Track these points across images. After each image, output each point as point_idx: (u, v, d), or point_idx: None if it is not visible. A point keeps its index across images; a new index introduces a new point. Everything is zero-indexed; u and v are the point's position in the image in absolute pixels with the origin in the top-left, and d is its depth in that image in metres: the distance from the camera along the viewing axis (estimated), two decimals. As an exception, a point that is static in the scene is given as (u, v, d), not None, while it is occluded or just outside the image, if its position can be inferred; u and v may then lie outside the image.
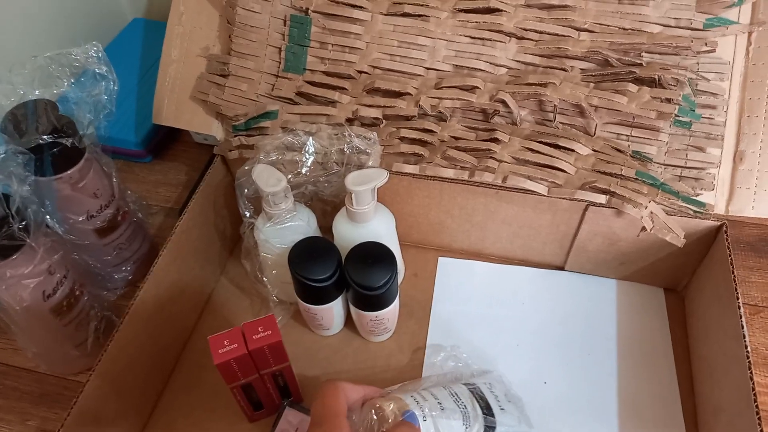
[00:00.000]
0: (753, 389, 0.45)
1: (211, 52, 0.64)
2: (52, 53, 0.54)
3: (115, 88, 0.56)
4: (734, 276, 0.52)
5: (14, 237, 0.47)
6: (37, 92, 0.54)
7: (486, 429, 0.48)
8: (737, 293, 0.50)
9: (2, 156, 0.47)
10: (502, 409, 0.50)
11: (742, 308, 0.49)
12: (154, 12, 0.94)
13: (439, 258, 0.67)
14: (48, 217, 0.54)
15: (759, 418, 0.44)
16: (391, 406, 0.44)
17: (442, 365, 0.58)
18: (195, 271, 0.62)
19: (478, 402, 0.49)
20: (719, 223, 0.55)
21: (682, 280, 0.62)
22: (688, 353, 0.58)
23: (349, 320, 0.61)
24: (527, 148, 0.57)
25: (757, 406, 0.44)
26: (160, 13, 0.93)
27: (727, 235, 0.54)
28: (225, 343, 0.47)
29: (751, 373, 0.46)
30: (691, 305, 0.61)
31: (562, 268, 0.65)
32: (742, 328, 0.48)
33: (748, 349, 0.47)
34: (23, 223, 0.47)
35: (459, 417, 0.46)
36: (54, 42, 0.81)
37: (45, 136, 0.51)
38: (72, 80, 0.55)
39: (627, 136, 0.57)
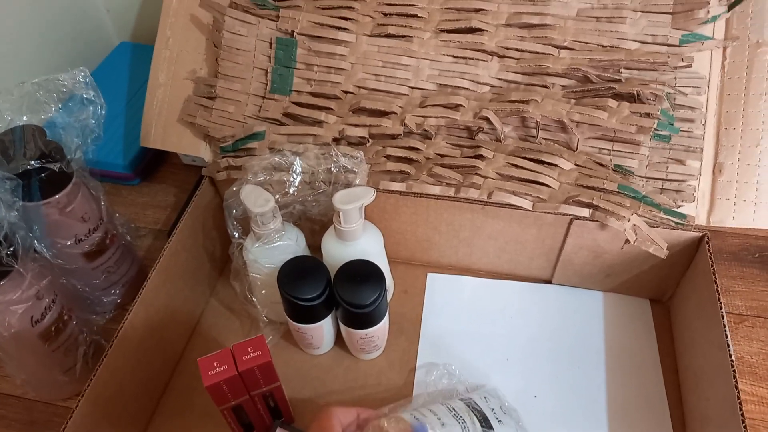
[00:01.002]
0: (738, 398, 0.45)
1: (198, 75, 0.65)
2: (39, 79, 0.55)
3: (103, 112, 0.56)
4: (717, 286, 0.53)
5: (2, 263, 0.47)
6: (24, 118, 0.54)
7: None
8: (720, 303, 0.51)
9: (-10, 182, 0.47)
10: (500, 421, 0.50)
11: (725, 318, 0.50)
12: (141, 36, 0.95)
13: (428, 274, 0.68)
14: (36, 242, 0.54)
15: (745, 427, 0.44)
16: (393, 425, 0.44)
17: (435, 382, 0.58)
18: (184, 293, 0.62)
19: (475, 415, 0.49)
20: (701, 234, 0.56)
21: (667, 291, 0.63)
22: (675, 363, 0.59)
23: (339, 339, 0.61)
24: (511, 164, 0.58)
25: (742, 415, 0.45)
26: (147, 37, 0.94)
27: (709, 246, 0.55)
28: (215, 364, 0.47)
29: (736, 382, 0.46)
30: (676, 316, 0.61)
31: (549, 282, 0.66)
32: (726, 337, 0.49)
33: (733, 358, 0.48)
34: (11, 248, 0.47)
35: (458, 428, 0.46)
36: (41, 67, 0.81)
37: (33, 162, 0.51)
38: (59, 105, 0.55)
39: (608, 150, 0.58)
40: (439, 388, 0.56)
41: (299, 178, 0.58)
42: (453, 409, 0.49)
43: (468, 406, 0.50)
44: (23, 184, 0.51)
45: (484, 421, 0.49)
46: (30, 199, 0.53)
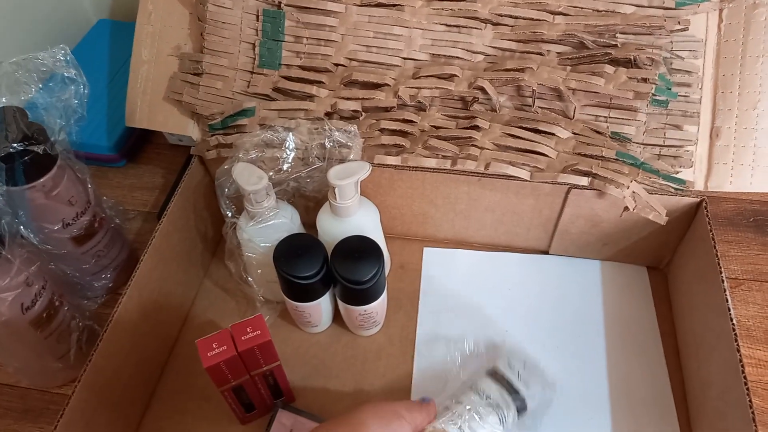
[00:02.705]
0: (740, 361, 0.46)
1: (183, 51, 0.63)
2: (18, 58, 0.52)
3: (86, 91, 0.54)
4: (716, 251, 0.52)
5: (-12, 250, 0.45)
6: (3, 99, 0.52)
7: (519, 410, 0.49)
8: (720, 268, 0.51)
9: (-29, 167, 0.45)
10: (526, 383, 0.51)
11: (726, 282, 0.50)
12: (119, 12, 0.92)
13: (425, 248, 0.67)
14: (22, 227, 0.53)
15: (747, 389, 0.44)
16: None
17: (434, 354, 0.58)
18: (178, 276, 0.60)
19: (504, 388, 0.49)
20: (699, 200, 0.56)
21: (664, 258, 0.63)
22: (674, 329, 0.59)
23: (337, 316, 0.60)
24: (508, 134, 0.57)
25: (745, 377, 0.45)
26: (126, 13, 0.91)
27: (707, 211, 0.55)
28: (213, 345, 0.46)
29: (737, 345, 0.47)
30: (674, 282, 0.61)
31: (546, 253, 0.66)
32: (727, 302, 0.49)
33: (734, 322, 0.48)
34: (-3, 235, 0.46)
35: (494, 415, 0.47)
36: (16, 48, 0.78)
37: (15, 144, 0.49)
38: (40, 85, 0.53)
39: (605, 117, 0.58)
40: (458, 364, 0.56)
41: (293, 154, 0.56)
42: (483, 392, 0.49)
43: (495, 379, 0.50)
44: (6, 167, 0.49)
45: (513, 391, 0.49)
46: (14, 184, 0.51)
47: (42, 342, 0.53)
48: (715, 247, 0.53)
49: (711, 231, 0.54)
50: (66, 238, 0.57)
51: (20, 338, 0.52)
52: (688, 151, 0.57)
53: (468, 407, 0.47)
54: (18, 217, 0.52)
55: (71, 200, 0.56)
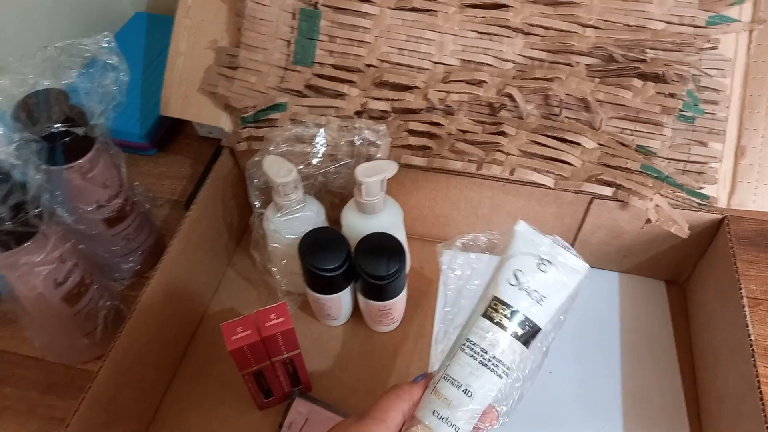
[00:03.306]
0: (756, 376, 0.46)
1: (220, 45, 0.65)
2: (62, 43, 0.54)
3: (126, 78, 0.56)
4: (737, 268, 0.53)
5: (29, 224, 0.47)
6: (47, 82, 0.54)
7: (532, 339, 0.38)
8: (740, 285, 0.51)
9: (17, 143, 0.47)
10: (542, 298, 0.38)
11: (745, 299, 0.50)
12: (156, 6, 0.94)
13: (444, 250, 0.68)
14: (57, 206, 0.54)
15: (762, 403, 0.45)
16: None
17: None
18: (203, 263, 0.62)
19: (507, 323, 0.37)
20: (721, 216, 0.57)
21: (683, 273, 0.63)
22: (690, 344, 0.60)
23: (355, 311, 0.61)
24: (534, 141, 0.58)
25: (760, 392, 0.45)
26: (162, 7, 0.93)
27: (729, 228, 0.56)
28: (238, 330, 0.48)
29: (754, 361, 0.47)
30: (692, 297, 0.62)
31: (565, 261, 0.66)
32: (746, 318, 0.49)
33: (752, 338, 0.48)
34: (38, 209, 0.47)
35: (491, 378, 0.37)
36: (57, 36, 0.80)
37: (57, 125, 0.51)
38: (82, 70, 0.55)
39: (631, 130, 0.58)
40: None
41: (322, 149, 0.58)
42: (480, 350, 0.37)
43: (491, 318, 0.38)
44: (47, 147, 0.51)
45: (526, 333, 0.38)
46: (53, 163, 0.53)
47: (71, 318, 0.55)
48: (735, 265, 0.53)
49: (732, 248, 0.54)
50: (98, 220, 0.59)
51: (51, 313, 0.53)
52: (712, 167, 0.57)
53: (455, 378, 0.37)
54: (54, 197, 0.54)
55: (106, 183, 0.57)
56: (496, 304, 0.38)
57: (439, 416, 0.37)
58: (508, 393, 0.39)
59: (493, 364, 0.37)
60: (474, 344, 0.37)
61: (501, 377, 0.37)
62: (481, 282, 0.41)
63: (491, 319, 0.38)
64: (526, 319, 0.38)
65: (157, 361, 0.56)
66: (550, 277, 0.38)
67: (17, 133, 0.48)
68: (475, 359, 0.37)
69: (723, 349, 0.52)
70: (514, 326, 0.37)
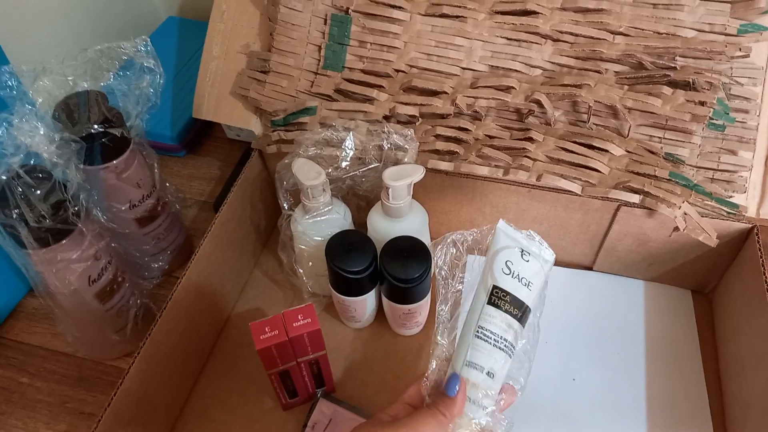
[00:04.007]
0: (786, 387, 0.46)
1: (252, 49, 0.66)
2: (102, 46, 0.56)
3: (161, 81, 0.58)
4: (766, 279, 0.52)
5: (67, 221, 0.49)
6: (86, 84, 0.55)
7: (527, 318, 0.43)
8: (769, 294, 0.51)
9: (58, 143, 0.48)
10: (529, 282, 0.43)
11: (774, 309, 0.50)
12: (188, 11, 0.96)
13: (468, 256, 0.68)
14: (92, 205, 0.56)
15: (792, 415, 0.44)
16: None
17: None
18: (231, 262, 0.63)
19: (508, 308, 0.42)
20: (750, 226, 0.56)
21: (710, 282, 0.63)
22: (716, 353, 0.59)
23: (379, 314, 0.62)
24: (561, 147, 0.58)
25: (789, 404, 0.45)
26: (194, 12, 0.95)
27: (758, 238, 0.55)
28: (266, 329, 0.49)
29: (783, 371, 0.47)
30: (719, 307, 0.61)
31: (590, 269, 0.66)
32: (775, 328, 0.49)
33: (781, 348, 0.48)
34: (76, 208, 0.49)
35: (504, 358, 0.41)
36: (91, 39, 0.83)
37: (96, 126, 0.53)
38: (120, 73, 0.57)
39: (660, 138, 0.58)
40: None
41: (351, 153, 0.58)
42: (489, 333, 0.41)
43: (495, 305, 0.42)
44: (86, 147, 0.53)
45: (518, 309, 0.42)
46: (90, 163, 0.55)
47: (103, 314, 0.56)
48: (765, 275, 0.53)
49: (762, 258, 0.54)
50: (131, 219, 0.60)
51: (84, 308, 0.55)
52: (742, 176, 0.57)
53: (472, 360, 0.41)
54: (90, 194, 0.55)
55: (139, 183, 0.59)
56: (497, 291, 0.42)
57: (471, 400, 0.41)
58: (518, 369, 0.43)
59: (503, 345, 0.41)
60: (486, 329, 0.41)
61: (510, 356, 0.42)
62: (469, 277, 0.46)
63: (496, 306, 0.42)
64: (521, 301, 0.42)
65: (185, 358, 0.57)
66: (532, 265, 0.44)
67: (57, 133, 0.49)
68: (489, 343, 0.41)
69: (750, 357, 0.52)
70: (512, 309, 0.42)
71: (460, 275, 0.47)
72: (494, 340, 0.41)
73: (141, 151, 0.60)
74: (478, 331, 0.42)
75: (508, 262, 0.43)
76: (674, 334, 0.61)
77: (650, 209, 0.55)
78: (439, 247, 0.47)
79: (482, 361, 0.41)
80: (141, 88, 0.57)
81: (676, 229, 0.55)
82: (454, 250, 0.48)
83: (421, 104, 0.61)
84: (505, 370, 0.42)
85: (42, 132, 0.47)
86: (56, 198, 0.47)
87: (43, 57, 0.54)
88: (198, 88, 0.67)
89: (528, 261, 0.44)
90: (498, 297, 0.42)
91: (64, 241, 0.50)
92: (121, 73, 0.57)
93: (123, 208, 0.59)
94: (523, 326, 0.43)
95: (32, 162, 0.47)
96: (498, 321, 0.42)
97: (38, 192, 0.46)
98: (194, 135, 0.82)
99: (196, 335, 0.59)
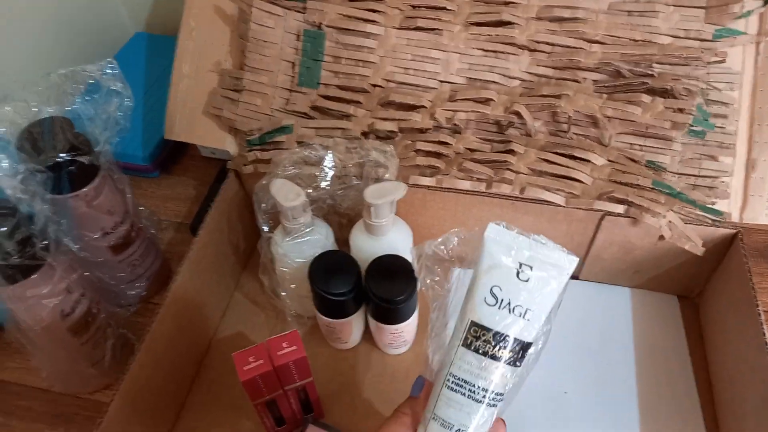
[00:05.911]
0: (777, 395, 0.45)
1: (224, 68, 0.64)
2: (66, 70, 0.54)
3: (130, 104, 0.56)
4: (752, 283, 0.52)
5: (35, 257, 0.47)
6: (49, 109, 0.53)
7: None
8: (756, 300, 0.51)
9: (22, 176, 0.46)
10: (526, 311, 0.34)
11: (762, 315, 0.50)
12: (157, 26, 0.94)
13: (454, 269, 0.67)
14: (62, 235, 0.54)
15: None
16: None
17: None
18: (211, 287, 0.61)
19: (489, 350, 0.34)
20: (734, 231, 0.56)
21: (695, 288, 0.63)
22: (706, 360, 0.59)
23: (366, 333, 0.61)
24: (543, 159, 0.57)
25: (782, 412, 0.45)
26: (162, 27, 0.93)
27: (743, 243, 0.55)
28: (250, 359, 0.47)
29: (774, 379, 0.46)
30: (706, 312, 0.61)
31: (576, 278, 0.66)
32: (764, 335, 0.49)
33: (771, 354, 0.47)
34: (45, 242, 0.47)
35: (485, 411, 0.34)
36: (54, 57, 0.80)
37: (62, 154, 0.51)
38: (86, 97, 0.55)
39: (640, 146, 0.58)
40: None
41: (331, 172, 0.57)
42: (465, 383, 0.34)
43: (473, 350, 0.34)
44: (52, 177, 0.50)
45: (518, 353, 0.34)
46: (59, 192, 0.52)
47: (79, 348, 0.54)
48: (751, 280, 0.53)
49: (747, 263, 0.54)
50: (104, 247, 0.58)
51: (58, 343, 0.53)
52: (723, 182, 0.57)
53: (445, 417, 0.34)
54: (60, 225, 0.53)
55: (111, 209, 0.57)
56: (475, 330, 0.33)
57: None
58: (507, 400, 0.36)
59: (482, 396, 0.33)
60: (458, 378, 0.34)
61: (495, 405, 0.34)
62: (454, 288, 0.38)
63: (473, 348, 0.33)
64: (513, 339, 0.33)
65: (166, 389, 0.55)
66: (533, 284, 0.34)
67: (22, 164, 0.47)
68: (463, 394, 0.33)
69: (741, 366, 0.52)
70: (499, 351, 0.33)
71: (447, 285, 0.40)
72: (469, 390, 0.33)
73: (111, 177, 0.57)
74: (448, 379, 0.34)
75: (494, 289, 0.34)
76: (663, 341, 0.61)
77: (635, 219, 0.55)
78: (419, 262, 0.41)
79: (450, 416, 0.34)
80: (109, 113, 0.55)
81: (662, 237, 0.55)
82: (438, 267, 0.43)
83: (400, 119, 0.60)
84: (490, 422, 0.34)
85: (5, 165, 0.45)
86: (22, 234, 0.45)
87: (3, 82, 0.52)
88: (169, 109, 0.65)
89: (527, 280, 0.34)
90: (476, 337, 0.33)
91: (33, 277, 0.47)
92: (88, 98, 0.55)
93: (95, 237, 0.57)
94: (518, 365, 0.34)
95: (-4, 198, 0.45)
96: (473, 367, 0.33)
97: (3, 229, 0.44)
98: (167, 154, 0.80)
99: (177, 365, 0.57)
